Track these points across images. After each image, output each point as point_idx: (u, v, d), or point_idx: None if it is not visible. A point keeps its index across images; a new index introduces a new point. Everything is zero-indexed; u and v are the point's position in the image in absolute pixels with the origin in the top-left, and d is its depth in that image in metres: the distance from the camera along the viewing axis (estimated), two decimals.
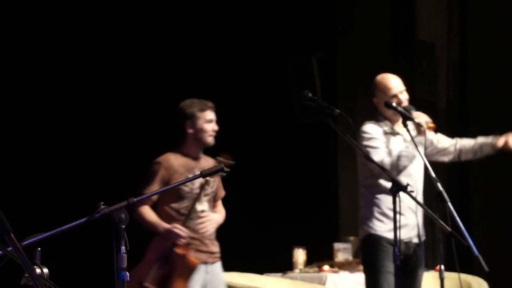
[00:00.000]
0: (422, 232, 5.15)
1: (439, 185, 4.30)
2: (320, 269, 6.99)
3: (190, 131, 5.32)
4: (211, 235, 5.27)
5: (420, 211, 5.06)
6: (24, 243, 3.05)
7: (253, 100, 8.07)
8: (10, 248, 2.17)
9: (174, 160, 5.28)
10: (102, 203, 3.06)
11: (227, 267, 6.70)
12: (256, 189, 7.50)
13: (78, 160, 7.45)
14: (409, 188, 4.46)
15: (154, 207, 5.24)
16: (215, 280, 5.26)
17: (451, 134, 8.22)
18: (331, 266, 7.08)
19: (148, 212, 5.17)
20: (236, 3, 8.10)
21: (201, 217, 5.20)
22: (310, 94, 4.97)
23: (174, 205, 5.20)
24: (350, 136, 4.93)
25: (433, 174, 4.40)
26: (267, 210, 7.66)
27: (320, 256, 7.29)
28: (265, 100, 8.05)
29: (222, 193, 5.54)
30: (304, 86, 6.16)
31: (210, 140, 5.36)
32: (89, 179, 7.31)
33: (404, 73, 8.32)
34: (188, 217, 5.11)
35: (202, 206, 5.23)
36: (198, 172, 4.93)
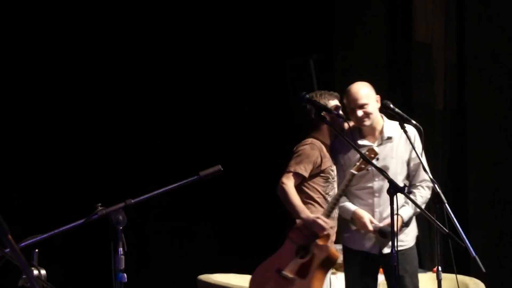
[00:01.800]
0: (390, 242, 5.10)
1: (436, 186, 4.30)
2: None
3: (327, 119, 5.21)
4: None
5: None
6: (22, 244, 3.05)
7: (250, 101, 8.08)
8: (7, 250, 2.17)
9: (322, 145, 5.32)
10: (99, 204, 3.07)
11: (224, 269, 6.72)
12: (255, 189, 7.50)
13: (76, 161, 7.45)
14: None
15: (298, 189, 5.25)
16: None
17: (448, 135, 8.25)
18: None
19: (295, 195, 5.16)
20: (233, 5, 8.10)
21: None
22: (307, 95, 4.98)
23: (320, 191, 5.27)
24: (346, 136, 4.94)
25: (430, 176, 4.40)
26: (266, 211, 7.65)
27: None
28: (262, 101, 8.05)
29: None
30: (301, 88, 6.17)
31: (360, 124, 5.24)
32: (87, 180, 7.31)
33: (401, 74, 8.35)
34: (334, 204, 5.10)
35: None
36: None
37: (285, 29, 8.24)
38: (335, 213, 5.22)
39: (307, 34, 8.29)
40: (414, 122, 4.76)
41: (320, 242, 5.06)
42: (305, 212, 5.10)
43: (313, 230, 5.05)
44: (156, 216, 7.67)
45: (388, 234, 4.85)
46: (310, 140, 5.31)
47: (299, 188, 5.24)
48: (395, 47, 8.41)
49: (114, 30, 7.68)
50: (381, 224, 4.97)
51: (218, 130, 7.87)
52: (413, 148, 4.95)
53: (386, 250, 5.06)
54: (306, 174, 5.21)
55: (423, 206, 5.02)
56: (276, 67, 8.13)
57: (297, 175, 5.19)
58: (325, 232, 5.06)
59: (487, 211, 7.76)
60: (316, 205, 5.23)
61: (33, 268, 2.58)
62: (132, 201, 3.18)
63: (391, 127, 5.16)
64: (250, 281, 5.28)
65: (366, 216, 5.03)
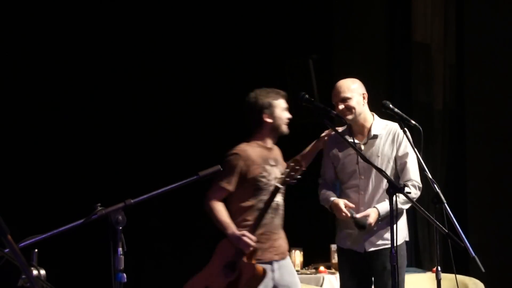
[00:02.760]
0: (369, 242, 5.10)
1: (436, 186, 4.29)
2: (317, 271, 7.00)
3: (268, 120, 5.21)
4: (278, 229, 5.14)
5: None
6: (21, 244, 3.05)
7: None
8: (7, 250, 2.17)
9: (251, 151, 5.15)
10: (99, 204, 3.06)
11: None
12: None
13: (75, 161, 7.45)
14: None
15: (227, 202, 5.11)
16: (285, 275, 5.09)
17: (447, 135, 8.25)
18: (328, 267, 7.08)
19: (220, 210, 5.02)
20: (232, 5, 8.09)
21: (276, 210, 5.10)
22: (306, 96, 4.98)
23: (251, 200, 5.06)
24: (346, 137, 4.94)
25: (429, 176, 4.40)
26: None
27: (317, 258, 7.30)
28: None
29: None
30: (300, 88, 6.17)
31: (285, 128, 5.26)
32: (87, 181, 7.31)
33: (400, 74, 8.34)
34: (264, 211, 4.91)
35: (277, 198, 5.05)
36: (273, 163, 5.15)
37: (284, 29, 8.24)
38: (266, 224, 5.04)
39: (307, 34, 8.29)
40: (413, 122, 4.75)
41: (245, 259, 4.91)
42: (230, 228, 4.96)
43: (239, 247, 4.90)
44: (156, 216, 7.66)
45: (365, 225, 4.87)
46: (236, 149, 5.15)
47: (230, 199, 5.11)
48: (395, 47, 8.41)
49: (115, 31, 7.68)
50: (358, 215, 4.94)
51: (218, 130, 7.86)
52: (399, 146, 4.99)
53: (371, 248, 5.05)
54: (230, 188, 5.03)
55: (407, 205, 5.03)
56: (276, 67, 8.13)
57: (220, 189, 5.03)
58: (251, 249, 4.89)
59: (486, 211, 7.76)
60: (250, 215, 5.03)
61: (32, 268, 2.57)
62: (132, 201, 3.17)
63: (379, 125, 5.17)
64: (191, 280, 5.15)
65: (341, 202, 5.01)
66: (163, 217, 7.71)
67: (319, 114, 4.87)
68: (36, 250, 2.70)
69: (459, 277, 6.02)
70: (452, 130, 8.28)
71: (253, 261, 4.92)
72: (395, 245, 4.16)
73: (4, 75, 7.10)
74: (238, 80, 8.08)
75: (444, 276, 4.38)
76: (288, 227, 7.61)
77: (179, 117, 7.90)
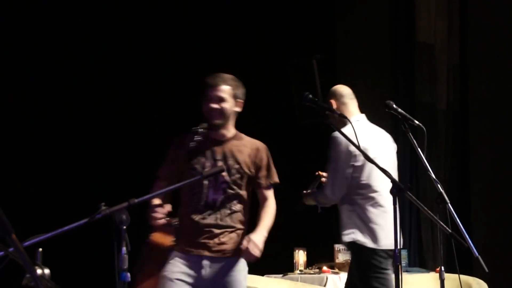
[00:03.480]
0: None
1: (439, 186, 4.28)
2: (321, 270, 6.99)
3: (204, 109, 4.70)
4: (219, 227, 4.50)
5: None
6: (25, 243, 3.05)
7: (254, 102, 8.06)
8: (11, 249, 2.16)
9: (189, 139, 4.60)
10: (103, 203, 3.06)
11: (250, 270, 6.71)
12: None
13: (79, 160, 7.45)
14: None
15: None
16: (218, 276, 4.45)
17: (450, 134, 8.25)
18: (332, 267, 7.08)
19: (154, 190, 4.48)
20: (237, 6, 8.09)
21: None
22: (310, 96, 4.96)
23: (188, 190, 4.57)
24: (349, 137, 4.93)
25: (433, 176, 4.39)
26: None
27: (321, 257, 7.29)
28: (265, 102, 8.05)
29: (265, 180, 4.69)
30: (304, 88, 6.15)
31: (212, 119, 4.60)
32: (90, 180, 7.30)
33: (404, 74, 8.34)
34: (197, 205, 4.41)
35: (217, 195, 4.51)
36: (219, 157, 4.58)
37: (288, 30, 8.24)
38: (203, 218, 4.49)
39: (310, 35, 8.29)
40: (417, 122, 4.73)
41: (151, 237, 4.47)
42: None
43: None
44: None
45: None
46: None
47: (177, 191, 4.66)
48: (398, 48, 8.41)
49: (116, 32, 7.68)
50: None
51: None
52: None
53: None
54: (161, 175, 4.58)
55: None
56: (280, 67, 8.13)
57: (156, 178, 4.62)
58: (159, 222, 4.37)
59: (490, 210, 7.76)
60: (185, 208, 4.57)
61: (37, 267, 2.57)
62: (136, 200, 3.17)
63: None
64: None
65: None
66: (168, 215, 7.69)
67: (322, 114, 4.86)
68: (40, 249, 2.70)
69: (463, 277, 6.02)
70: (455, 130, 8.27)
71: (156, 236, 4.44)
72: (398, 246, 4.14)
73: (5, 75, 7.10)
74: (243, 80, 8.09)
75: (447, 276, 4.37)
76: (291, 227, 7.65)
77: (182, 117, 7.89)
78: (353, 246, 5.14)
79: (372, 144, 5.11)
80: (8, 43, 7.10)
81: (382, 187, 4.99)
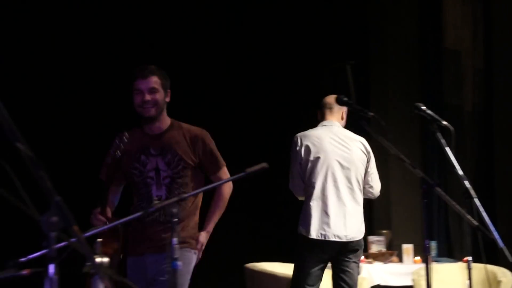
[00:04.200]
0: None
1: (466, 182, 4.25)
2: None
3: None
4: (158, 224, 4.08)
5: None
6: (86, 234, 3.08)
7: (292, 104, 8.08)
8: (74, 239, 2.20)
9: (130, 138, 4.12)
10: (156, 198, 3.08)
11: (270, 258, 6.69)
12: None
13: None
14: None
15: None
16: (164, 270, 3.93)
17: (476, 135, 8.17)
18: (366, 257, 7.04)
19: (109, 194, 4.13)
20: (278, 15, 8.10)
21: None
22: (345, 98, 4.95)
23: (135, 191, 4.24)
24: (382, 137, 4.90)
25: (460, 172, 4.36)
26: None
27: None
28: (301, 103, 8.05)
29: (211, 166, 4.32)
30: (339, 91, 6.14)
31: (143, 112, 4.18)
32: None
33: (432, 78, 8.29)
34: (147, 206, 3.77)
35: (160, 191, 4.11)
36: (154, 152, 4.15)
37: (324, 37, 8.22)
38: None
39: (345, 42, 8.27)
40: (444, 122, 4.69)
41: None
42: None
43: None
44: (204, 207, 7.68)
45: None
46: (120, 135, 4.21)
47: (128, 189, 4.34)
48: (427, 53, 8.37)
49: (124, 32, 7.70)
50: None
51: (263, 130, 7.87)
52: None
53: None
54: (103, 178, 4.10)
55: None
56: (316, 72, 8.13)
57: (102, 182, 4.16)
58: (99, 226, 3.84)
59: None
60: (134, 208, 4.22)
61: (96, 256, 2.61)
62: (185, 195, 3.19)
63: None
64: None
65: None
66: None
67: (356, 115, 4.84)
68: (100, 239, 2.73)
69: (489, 266, 5.97)
70: (480, 130, 8.20)
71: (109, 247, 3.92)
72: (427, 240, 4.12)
73: (5, 75, 6.86)
74: (283, 83, 8.11)
75: (474, 266, 4.34)
76: None
77: (228, 117, 7.92)
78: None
79: (326, 145, 5.28)
80: (5, 42, 6.90)
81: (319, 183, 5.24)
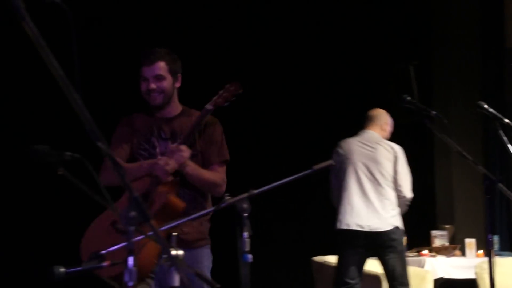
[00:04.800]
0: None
1: None
2: (419, 254, 6.90)
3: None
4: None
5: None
6: (162, 228, 3.12)
7: (358, 103, 8.05)
8: (151, 233, 2.23)
9: (137, 118, 3.90)
10: (227, 194, 3.10)
11: (336, 251, 6.69)
12: None
13: None
14: None
15: None
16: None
17: None
18: (429, 251, 6.98)
19: (105, 171, 3.62)
20: (339, 15, 8.08)
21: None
22: (409, 98, 4.90)
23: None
24: (445, 134, 4.83)
25: None
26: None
27: (419, 242, 7.19)
28: (367, 101, 8.02)
29: (214, 157, 3.86)
30: (402, 91, 6.10)
31: (150, 100, 3.82)
32: None
33: (494, 78, 8.14)
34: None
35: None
36: (164, 135, 3.83)
37: (388, 38, 8.18)
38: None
39: (408, 43, 8.22)
40: (506, 120, 4.61)
41: (161, 189, 3.64)
42: (144, 162, 3.76)
43: (154, 174, 3.63)
44: (274, 202, 7.70)
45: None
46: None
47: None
48: (488, 53, 8.25)
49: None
50: None
51: (328, 128, 7.87)
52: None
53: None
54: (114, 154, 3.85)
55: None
56: (380, 72, 8.09)
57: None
58: (169, 178, 3.64)
59: None
60: None
61: (171, 249, 2.64)
62: (255, 191, 3.19)
63: None
64: (82, 241, 3.64)
65: None
66: (279, 202, 7.68)
67: (420, 114, 4.78)
68: (175, 233, 2.76)
69: None
70: None
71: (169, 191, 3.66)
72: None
73: (5, 74, 6.47)
74: (349, 83, 8.10)
75: None
76: None
77: (297, 117, 7.94)
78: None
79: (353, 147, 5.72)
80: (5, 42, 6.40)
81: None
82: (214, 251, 7.07)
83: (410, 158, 7.13)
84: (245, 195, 3.15)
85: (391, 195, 5.56)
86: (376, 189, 5.54)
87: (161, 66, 3.74)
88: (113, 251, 2.63)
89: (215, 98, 3.65)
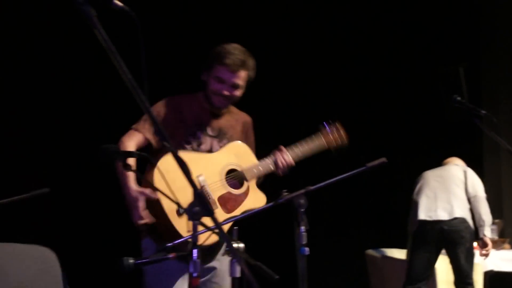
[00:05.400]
0: None
1: None
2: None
3: (205, 81, 3.46)
4: None
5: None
6: (224, 223, 3.15)
7: (412, 103, 8.02)
8: (214, 227, 2.25)
9: (185, 104, 3.46)
10: (285, 190, 3.10)
11: (389, 244, 6.67)
12: (410, 174, 7.35)
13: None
14: None
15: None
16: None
17: None
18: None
19: (128, 140, 3.31)
20: (388, 19, 8.04)
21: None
22: (458, 98, 4.84)
23: None
24: (494, 133, 4.76)
25: None
26: None
27: None
28: (419, 101, 7.97)
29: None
30: (452, 92, 6.04)
31: (216, 100, 3.44)
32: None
33: None
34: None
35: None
36: (211, 132, 3.49)
37: (438, 40, 8.13)
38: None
39: (457, 45, 8.14)
40: None
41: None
42: (125, 183, 3.30)
43: (129, 208, 3.31)
44: (329, 198, 7.67)
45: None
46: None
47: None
48: None
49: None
50: None
51: (383, 127, 7.84)
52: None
53: None
54: (140, 130, 3.38)
55: None
56: (430, 74, 8.00)
57: (132, 129, 3.41)
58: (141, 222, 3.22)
59: None
60: None
61: (234, 242, 2.67)
62: (311, 188, 3.19)
63: None
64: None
65: None
66: (335, 199, 7.65)
67: (470, 114, 4.73)
68: (236, 227, 2.78)
69: None
70: None
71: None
72: None
73: (5, 74, 6.19)
74: (399, 84, 8.05)
75: None
76: None
77: (352, 117, 7.90)
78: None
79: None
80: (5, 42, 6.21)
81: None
82: (272, 244, 7.11)
83: (460, 155, 7.06)
84: (302, 191, 3.15)
85: (459, 194, 6.21)
86: (444, 189, 6.23)
87: (243, 76, 3.42)
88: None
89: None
